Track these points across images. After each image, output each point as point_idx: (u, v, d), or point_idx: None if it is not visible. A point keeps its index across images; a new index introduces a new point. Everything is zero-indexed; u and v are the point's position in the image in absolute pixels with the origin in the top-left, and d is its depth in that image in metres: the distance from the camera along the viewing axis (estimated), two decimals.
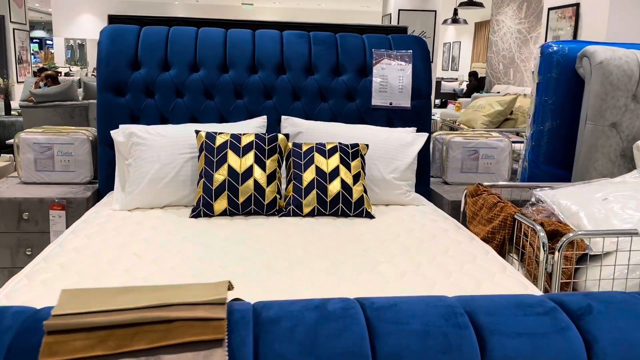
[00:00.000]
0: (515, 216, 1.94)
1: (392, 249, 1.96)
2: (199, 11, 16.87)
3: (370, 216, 2.30)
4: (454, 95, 9.83)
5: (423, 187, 2.94)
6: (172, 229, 2.09)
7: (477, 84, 9.31)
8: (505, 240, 2.01)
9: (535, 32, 8.93)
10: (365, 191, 2.32)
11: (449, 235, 2.11)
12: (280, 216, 2.26)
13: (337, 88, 2.85)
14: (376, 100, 2.85)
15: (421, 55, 2.95)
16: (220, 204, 2.19)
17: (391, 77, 2.84)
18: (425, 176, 2.95)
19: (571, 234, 1.73)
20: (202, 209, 2.20)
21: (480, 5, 7.23)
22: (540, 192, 2.24)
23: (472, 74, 9.29)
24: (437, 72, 13.99)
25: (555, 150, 3.20)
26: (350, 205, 2.25)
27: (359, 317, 0.69)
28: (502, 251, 2.04)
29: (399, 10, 9.10)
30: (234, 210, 2.21)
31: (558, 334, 0.69)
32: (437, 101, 9.67)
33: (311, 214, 2.26)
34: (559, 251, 1.73)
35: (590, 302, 0.76)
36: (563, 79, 3.10)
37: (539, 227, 1.79)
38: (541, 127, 3.19)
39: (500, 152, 2.97)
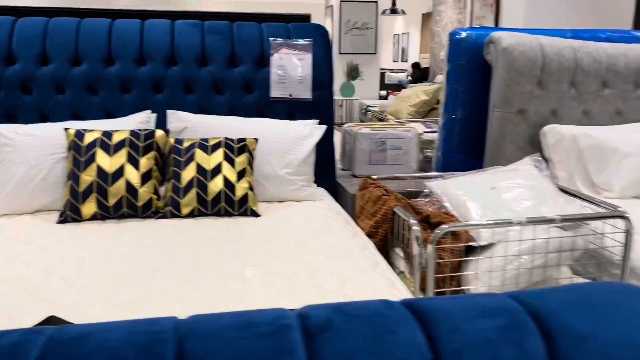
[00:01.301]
0: (395, 209, 1.85)
1: (268, 249, 1.84)
2: (143, 2, 16.36)
3: (255, 215, 2.17)
4: (399, 87, 9.80)
5: (328, 181, 2.83)
6: (32, 237, 1.91)
7: (420, 74, 9.29)
8: (388, 234, 1.91)
9: (476, 21, 8.94)
10: (251, 188, 2.18)
11: (334, 231, 2.00)
12: (157, 218, 2.11)
13: (234, 80, 2.70)
14: (275, 92, 2.72)
15: (322, 45, 2.83)
16: (89, 207, 2.02)
17: (290, 68, 2.71)
18: (330, 170, 2.84)
19: (446, 226, 1.64)
20: (69, 214, 2.03)
21: None
22: (431, 182, 2.16)
23: (415, 65, 9.24)
24: (384, 63, 13.95)
25: (468, 139, 3.13)
26: (232, 204, 2.11)
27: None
28: (386, 246, 1.95)
29: (340, 1, 8.99)
30: (104, 213, 2.05)
31: (279, 358, 0.58)
32: (383, 92, 9.63)
33: (191, 215, 2.12)
34: (432, 244, 1.64)
35: (334, 315, 0.64)
36: (472, 67, 3.03)
37: (412, 221, 1.70)
38: (453, 116, 3.12)
39: (407, 142, 2.89)
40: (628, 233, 1.77)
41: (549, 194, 1.97)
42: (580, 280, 1.97)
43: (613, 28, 4.35)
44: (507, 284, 1.73)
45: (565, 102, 2.92)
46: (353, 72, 9.02)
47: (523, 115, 2.89)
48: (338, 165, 3.06)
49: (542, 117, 2.91)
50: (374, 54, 9.39)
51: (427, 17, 12.08)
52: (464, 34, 3.02)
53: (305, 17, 3.03)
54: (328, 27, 9.63)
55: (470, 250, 1.86)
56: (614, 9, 4.29)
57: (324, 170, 2.79)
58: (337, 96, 8.96)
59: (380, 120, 4.66)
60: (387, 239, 1.92)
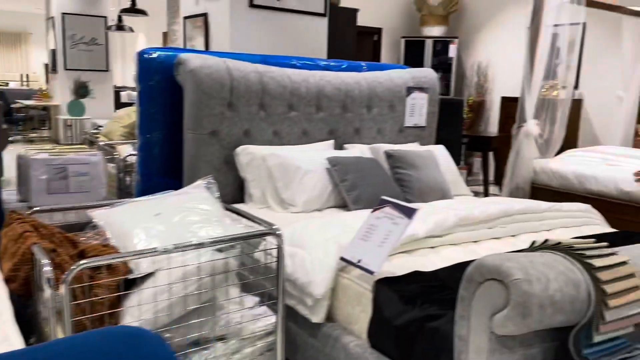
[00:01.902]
0: (33, 248, 1.63)
1: None
2: None
3: None
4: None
5: None
6: None
7: None
8: (31, 278, 1.68)
9: (189, 42, 9.03)
10: None
11: None
12: None
13: None
14: None
15: None
16: None
17: None
18: None
19: (75, 266, 1.49)
20: None
21: (144, 13, 6.97)
22: (96, 212, 1.98)
23: None
24: (124, 81, 13.32)
25: (167, 160, 3.05)
26: None
27: None
28: (30, 291, 1.71)
29: (62, 13, 8.25)
30: None
31: None
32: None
33: None
34: (65, 285, 1.47)
35: None
36: (165, 87, 2.97)
37: (44, 260, 1.50)
38: (148, 137, 3.00)
39: (93, 167, 2.66)
40: (279, 249, 1.86)
41: (215, 216, 1.97)
42: (250, 298, 2.00)
43: (312, 57, 4.77)
44: (161, 315, 1.66)
45: (256, 123, 3.05)
46: (81, 90, 8.33)
47: (216, 136, 2.93)
48: (13, 196, 2.68)
49: (235, 138, 2.99)
50: (106, 71, 8.84)
51: (167, 36, 11.91)
52: (154, 54, 2.94)
53: None
54: (50, 41, 8.74)
55: (134, 283, 1.74)
56: (314, 40, 4.71)
57: None
58: (65, 115, 8.16)
59: (92, 142, 4.31)
60: (31, 283, 1.69)
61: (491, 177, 6.52)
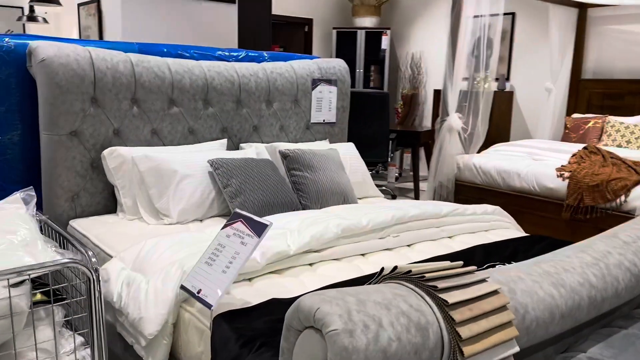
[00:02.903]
0: None
1: None
2: None
3: None
4: None
5: None
6: None
7: None
8: None
9: (84, 32, 8.54)
10: None
11: None
12: None
13: None
14: None
15: None
16: None
17: None
18: None
19: None
20: None
21: (57, 3, 6.39)
22: None
23: None
24: None
25: (23, 166, 2.62)
26: None
27: None
28: None
29: None
30: None
31: None
32: None
33: None
34: None
35: None
36: (18, 82, 2.54)
37: None
38: (0, 140, 2.57)
39: None
40: (91, 282, 1.49)
41: (25, 240, 1.58)
42: (74, 340, 1.63)
43: (224, 47, 4.39)
44: None
45: (128, 121, 2.66)
46: None
47: (77, 137, 2.52)
48: None
49: (103, 138, 2.59)
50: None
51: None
52: (3, 43, 2.51)
53: None
54: None
55: None
56: (222, 29, 4.32)
57: None
58: None
59: None
60: None
61: (425, 173, 6.30)
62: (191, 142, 2.89)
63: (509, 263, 1.95)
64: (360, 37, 7.19)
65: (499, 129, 5.92)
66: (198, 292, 1.52)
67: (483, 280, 1.20)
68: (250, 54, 3.28)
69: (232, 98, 2.98)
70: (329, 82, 3.36)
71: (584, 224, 3.56)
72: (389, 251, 2.12)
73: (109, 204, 2.67)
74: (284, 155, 2.80)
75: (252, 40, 4.55)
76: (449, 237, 2.34)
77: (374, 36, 7.19)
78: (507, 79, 6.17)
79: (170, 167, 2.51)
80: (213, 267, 1.55)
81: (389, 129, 5.17)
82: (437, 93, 6.46)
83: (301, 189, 2.71)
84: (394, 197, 5.59)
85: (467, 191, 4.23)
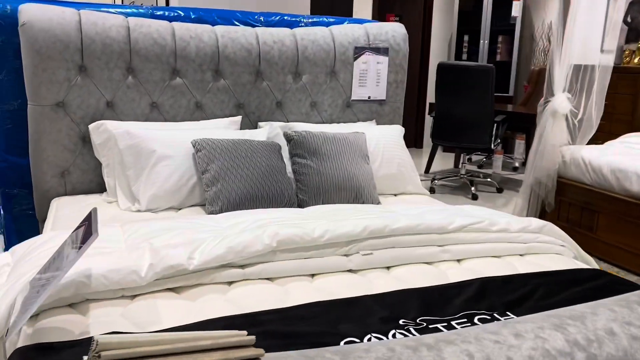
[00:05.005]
0: None
1: None
2: None
3: None
4: None
5: None
6: None
7: None
8: None
9: None
10: None
11: None
12: None
13: None
14: None
15: None
16: None
17: None
18: None
19: None
20: None
21: None
22: None
23: None
24: None
25: (21, 136, 2.51)
26: None
27: None
28: None
29: None
30: None
31: None
32: None
33: None
34: None
35: None
36: (14, 47, 2.41)
37: None
38: None
39: None
40: None
41: None
42: None
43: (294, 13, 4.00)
44: None
45: (122, 92, 2.41)
46: None
47: (63, 109, 2.33)
48: None
49: (93, 111, 2.38)
50: None
51: None
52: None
53: None
54: None
55: None
56: None
57: None
58: None
59: None
60: None
61: None
62: (198, 118, 2.56)
63: (506, 314, 1.31)
64: (487, 2, 6.27)
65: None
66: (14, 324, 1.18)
67: None
68: (286, 17, 2.83)
69: (248, 69, 2.58)
70: (377, 50, 2.79)
71: None
72: (352, 274, 1.59)
73: (103, 182, 2.46)
74: (288, 138, 2.34)
75: (329, 4, 4.07)
76: (457, 261, 1.71)
77: (503, 2, 6.21)
78: None
79: (149, 146, 2.21)
80: (35, 284, 1.20)
81: (492, 109, 4.36)
82: (578, 69, 5.36)
83: (301, 181, 2.24)
84: (499, 190, 4.77)
85: (571, 192, 3.36)
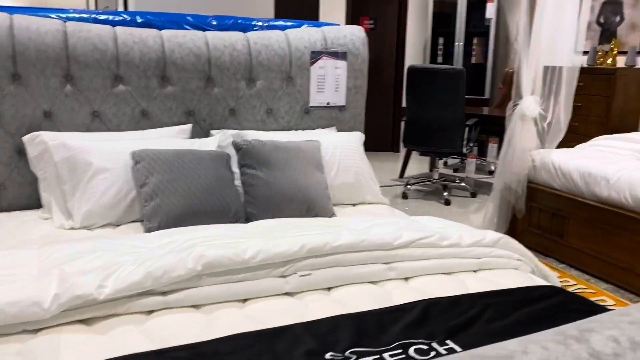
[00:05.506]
0: None
1: None
2: None
3: None
4: None
5: None
6: None
7: None
8: None
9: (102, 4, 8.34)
10: None
11: None
12: None
13: None
14: None
15: None
16: None
17: None
18: None
19: None
20: None
21: None
22: None
23: None
24: None
25: None
26: None
27: None
28: None
29: None
30: None
31: None
32: None
33: None
34: None
35: None
36: None
37: None
38: None
39: None
40: None
41: None
42: None
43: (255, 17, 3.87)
44: None
45: (60, 101, 2.26)
46: None
47: None
48: None
49: (30, 121, 2.23)
50: None
51: None
52: None
53: None
54: None
55: None
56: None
57: None
58: None
59: None
60: None
61: None
62: (145, 127, 2.42)
63: (445, 344, 1.19)
64: (461, 5, 6.20)
65: (624, 115, 4.66)
66: None
67: None
68: (240, 21, 2.71)
69: (198, 75, 2.45)
70: (334, 55, 2.67)
71: None
72: (288, 297, 1.46)
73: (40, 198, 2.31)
74: (237, 147, 2.21)
75: (297, 7, 3.95)
76: (404, 279, 1.59)
77: (477, 4, 6.15)
78: None
79: (85, 159, 2.07)
80: None
81: (463, 113, 4.27)
82: (545, 71, 5.29)
83: (249, 193, 2.11)
84: (473, 195, 4.68)
85: (542, 197, 3.26)
